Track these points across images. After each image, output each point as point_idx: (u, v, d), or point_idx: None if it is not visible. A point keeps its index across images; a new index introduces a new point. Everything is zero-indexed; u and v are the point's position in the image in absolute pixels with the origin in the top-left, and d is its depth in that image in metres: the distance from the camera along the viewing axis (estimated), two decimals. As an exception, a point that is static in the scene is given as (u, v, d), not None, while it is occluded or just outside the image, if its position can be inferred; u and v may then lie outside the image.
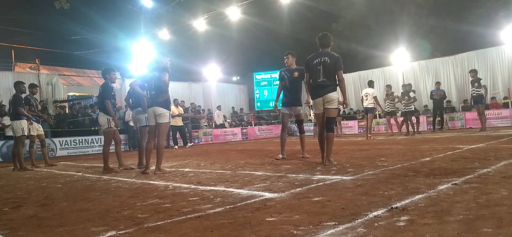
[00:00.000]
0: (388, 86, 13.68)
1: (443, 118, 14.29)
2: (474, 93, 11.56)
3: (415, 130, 12.61)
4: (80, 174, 6.61)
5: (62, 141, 13.69)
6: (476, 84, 11.42)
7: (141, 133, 6.97)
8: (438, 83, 14.93)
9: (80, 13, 21.26)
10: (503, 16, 18.16)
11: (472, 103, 11.97)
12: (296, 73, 6.81)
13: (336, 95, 5.31)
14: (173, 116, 13.75)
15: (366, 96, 12.09)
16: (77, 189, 4.73)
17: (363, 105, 12.44)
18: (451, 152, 5.91)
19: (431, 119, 14.66)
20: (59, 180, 5.87)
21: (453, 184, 3.26)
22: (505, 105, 15.13)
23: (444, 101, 14.28)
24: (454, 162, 4.73)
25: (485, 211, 2.32)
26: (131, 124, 13.36)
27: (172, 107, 13.41)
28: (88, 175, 6.34)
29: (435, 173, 3.93)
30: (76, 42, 21.59)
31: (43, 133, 9.14)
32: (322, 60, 5.31)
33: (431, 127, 14.63)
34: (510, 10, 18.38)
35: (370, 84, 12.44)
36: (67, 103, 17.09)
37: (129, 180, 5.25)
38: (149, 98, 5.99)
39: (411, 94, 12.62)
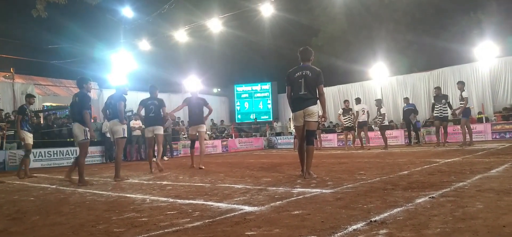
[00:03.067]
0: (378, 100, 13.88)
1: (417, 132, 14.55)
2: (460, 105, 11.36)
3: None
4: (54, 186, 6.41)
5: (36, 152, 13.27)
6: (459, 97, 11.28)
7: (118, 145, 6.86)
8: (406, 98, 15.28)
9: (57, 22, 20.77)
10: (476, 34, 18.78)
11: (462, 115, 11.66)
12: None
13: (316, 108, 5.35)
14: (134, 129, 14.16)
15: (363, 111, 12.95)
16: (50, 202, 4.57)
17: (358, 120, 13.11)
18: (428, 166, 6.01)
19: (407, 133, 14.97)
20: (32, 192, 5.67)
21: (430, 197, 3.30)
22: (480, 120, 15.56)
23: (414, 114, 14.47)
24: (431, 175, 4.81)
25: (461, 224, 2.35)
26: (108, 135, 13.09)
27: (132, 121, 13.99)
28: (63, 187, 6.15)
29: (413, 186, 3.98)
30: (53, 52, 21.09)
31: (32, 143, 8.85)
32: (304, 73, 5.36)
33: (407, 141, 14.92)
34: (483, 29, 19.04)
35: (359, 101, 13.47)
36: (42, 113, 16.63)
37: (105, 193, 5.12)
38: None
39: (382, 110, 12.88)
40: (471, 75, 16.87)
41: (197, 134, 8.65)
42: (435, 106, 11.48)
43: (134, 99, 18.46)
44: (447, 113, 11.36)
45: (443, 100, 11.32)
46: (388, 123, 13.34)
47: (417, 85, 18.44)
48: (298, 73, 5.43)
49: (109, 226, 2.96)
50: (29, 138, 8.42)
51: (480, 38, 17.49)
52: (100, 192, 5.21)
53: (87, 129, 6.37)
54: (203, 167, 8.07)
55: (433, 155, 8.31)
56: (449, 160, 6.78)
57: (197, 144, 8.78)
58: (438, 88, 11.93)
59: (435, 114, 11.50)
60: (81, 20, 23.28)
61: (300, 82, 5.35)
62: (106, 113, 7.12)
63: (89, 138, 6.41)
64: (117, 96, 6.91)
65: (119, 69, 19.24)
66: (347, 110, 13.51)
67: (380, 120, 12.84)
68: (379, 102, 13.24)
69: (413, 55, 22.36)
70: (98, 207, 3.97)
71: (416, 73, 19.17)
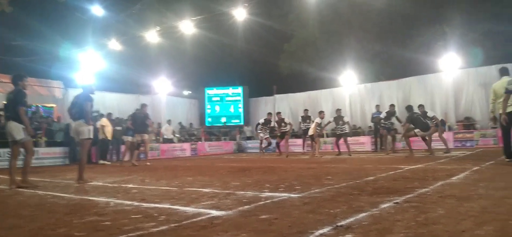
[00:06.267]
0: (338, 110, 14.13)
1: (382, 140, 14.91)
2: (433, 122, 12.12)
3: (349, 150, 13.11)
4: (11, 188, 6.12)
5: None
6: (427, 118, 12.03)
7: (83, 146, 6.64)
8: (377, 106, 15.69)
9: (21, 19, 19.97)
10: (441, 46, 19.53)
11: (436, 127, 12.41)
12: None
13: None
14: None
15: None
16: (8, 204, 4.37)
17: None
18: (393, 172, 6.16)
19: (374, 139, 15.33)
20: (-12, 194, 5.40)
21: (394, 202, 3.37)
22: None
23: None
24: (395, 181, 4.93)
25: (423, 230, 2.41)
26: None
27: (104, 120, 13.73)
28: (22, 189, 5.88)
29: (378, 192, 4.06)
30: (16, 49, 20.22)
31: None
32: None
33: (374, 147, 15.27)
34: (447, 40, 19.83)
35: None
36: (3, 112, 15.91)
37: (67, 195, 4.94)
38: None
39: (346, 119, 13.18)
40: (435, 85, 17.50)
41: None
42: (384, 121, 12.91)
43: (101, 100, 18.04)
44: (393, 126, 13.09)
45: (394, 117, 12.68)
46: (356, 129, 13.59)
47: (384, 94, 18.92)
48: None
49: (70, 230, 2.85)
50: None
51: (444, 49, 18.21)
52: (62, 195, 5.02)
53: (23, 126, 5.97)
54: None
55: (398, 162, 8.53)
56: (413, 167, 6.98)
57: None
58: (392, 106, 13.47)
59: (382, 125, 13.08)
60: (48, 17, 22.50)
61: None
62: (72, 113, 6.87)
63: (27, 135, 6.02)
64: (84, 96, 6.68)
65: (87, 69, 18.70)
66: (305, 118, 13.86)
67: (343, 128, 13.07)
68: (340, 112, 13.52)
69: (380, 64, 22.99)
70: (59, 210, 3.83)
71: (383, 81, 19.68)
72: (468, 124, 16.39)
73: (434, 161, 8.36)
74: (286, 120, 13.95)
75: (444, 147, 11.94)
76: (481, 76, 16.55)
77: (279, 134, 13.59)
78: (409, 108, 12.31)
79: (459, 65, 17.07)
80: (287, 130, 13.57)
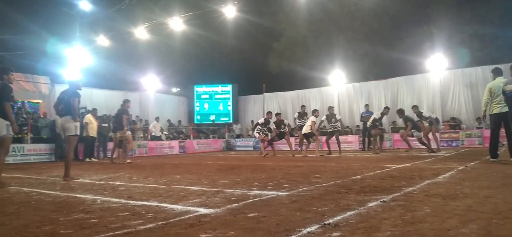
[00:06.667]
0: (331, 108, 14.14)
1: (370, 139, 15.03)
2: (427, 121, 12.26)
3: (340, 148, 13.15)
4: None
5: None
6: (422, 118, 12.17)
7: (69, 143, 6.55)
8: (367, 105, 15.80)
9: (5, 13, 19.64)
10: (428, 47, 19.78)
11: (430, 125, 12.51)
12: None
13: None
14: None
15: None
16: (-9, 201, 4.28)
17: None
18: (380, 171, 6.22)
19: (362, 138, 15.44)
20: (-29, 191, 5.29)
21: (381, 201, 3.40)
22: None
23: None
24: (382, 180, 4.98)
25: (410, 228, 2.43)
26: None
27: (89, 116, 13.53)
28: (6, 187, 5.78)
29: (365, 190, 4.09)
30: (1, 43, 19.83)
31: None
32: None
33: (362, 146, 15.38)
34: (434, 41, 20.09)
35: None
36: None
37: (53, 192, 4.87)
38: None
39: (338, 116, 13.21)
40: (422, 85, 17.73)
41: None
42: (376, 122, 12.82)
43: (88, 96, 17.83)
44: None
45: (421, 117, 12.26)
46: (344, 128, 13.62)
47: (372, 93, 19.09)
48: None
49: (55, 228, 2.81)
50: None
51: (431, 50, 18.44)
52: (48, 192, 4.95)
53: (9, 123, 5.80)
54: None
55: (386, 161, 8.62)
56: (400, 166, 7.05)
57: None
58: (387, 108, 13.59)
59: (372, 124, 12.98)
60: (34, 12, 22.16)
61: None
62: (58, 109, 6.77)
63: (11, 132, 5.85)
64: (71, 92, 6.60)
65: (74, 64, 18.45)
66: (302, 115, 13.78)
67: (335, 125, 13.07)
68: (332, 110, 13.53)
69: (369, 64, 23.18)
70: (44, 207, 3.77)
71: (371, 81, 19.85)
72: (454, 124, 16.63)
73: (420, 160, 8.46)
74: (285, 121, 13.76)
75: (434, 146, 12.08)
76: (467, 77, 16.82)
77: (277, 135, 13.40)
78: (401, 111, 12.49)
79: (446, 66, 17.32)
80: (285, 131, 13.41)
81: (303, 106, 14.74)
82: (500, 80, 7.25)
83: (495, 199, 3.33)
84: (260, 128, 13.25)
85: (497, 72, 7.63)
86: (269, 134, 13.42)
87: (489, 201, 3.27)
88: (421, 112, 12.13)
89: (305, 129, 12.39)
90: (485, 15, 20.75)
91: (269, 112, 13.99)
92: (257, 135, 13.21)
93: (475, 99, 16.56)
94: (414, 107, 12.49)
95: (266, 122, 13.42)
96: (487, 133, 13.79)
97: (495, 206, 3.02)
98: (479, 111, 15.73)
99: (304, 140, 12.83)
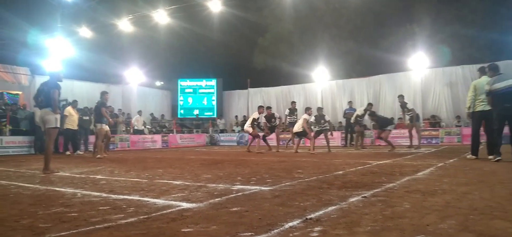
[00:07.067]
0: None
1: (352, 135, 15.20)
2: (409, 114, 12.34)
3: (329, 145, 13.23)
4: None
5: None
6: (405, 109, 12.27)
7: (49, 135, 6.43)
8: (350, 102, 15.95)
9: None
10: (410, 45, 20.08)
11: (409, 121, 12.48)
12: None
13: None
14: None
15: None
16: (-33, 194, 4.17)
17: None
18: (361, 167, 6.30)
19: (345, 135, 15.61)
20: None
21: (362, 196, 3.45)
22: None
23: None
24: (364, 176, 5.04)
25: (390, 223, 2.47)
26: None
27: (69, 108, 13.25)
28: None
29: (347, 185, 4.14)
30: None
31: None
32: None
33: (344, 143, 15.55)
34: (416, 40, 20.41)
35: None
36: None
37: (32, 186, 4.77)
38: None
39: (327, 117, 13.24)
40: (404, 83, 18.00)
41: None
42: (359, 119, 13.19)
43: (69, 88, 17.49)
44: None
45: (405, 108, 12.39)
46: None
47: (355, 90, 19.29)
48: None
49: (34, 221, 2.75)
50: None
51: (413, 49, 18.74)
52: (27, 185, 4.85)
53: None
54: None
55: (367, 157, 8.73)
56: (380, 162, 7.16)
57: None
58: (370, 105, 13.73)
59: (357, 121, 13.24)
60: (14, 1, 21.57)
61: None
62: (38, 101, 6.64)
63: None
64: (51, 83, 6.48)
65: (55, 56, 18.07)
66: (293, 111, 13.73)
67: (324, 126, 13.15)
68: (321, 111, 13.58)
69: (352, 61, 23.41)
70: (23, 200, 3.69)
71: (354, 78, 20.06)
72: (434, 122, 16.95)
73: (401, 157, 8.60)
74: (276, 115, 13.57)
75: (415, 143, 12.21)
76: (447, 76, 17.16)
77: (268, 129, 13.23)
78: (370, 112, 12.71)
79: (427, 65, 17.62)
80: (276, 124, 13.27)
81: (293, 102, 14.58)
82: (485, 80, 7.37)
83: (472, 196, 3.41)
84: (255, 122, 12.99)
85: (483, 71, 7.76)
86: (261, 128, 13.35)
87: (466, 197, 3.35)
88: (406, 103, 12.24)
89: (297, 127, 12.36)
90: (466, 16, 21.18)
91: (261, 107, 13.76)
92: (250, 130, 12.87)
93: (455, 98, 16.92)
94: (400, 96, 12.53)
95: (259, 117, 13.21)
96: (466, 131, 14.15)
97: (472, 202, 3.09)
98: (459, 110, 16.17)
99: (296, 138, 12.83)
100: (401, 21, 22.37)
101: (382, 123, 12.09)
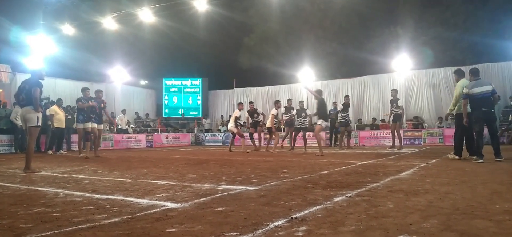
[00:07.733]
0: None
1: (337, 136, 15.32)
2: (393, 112, 12.36)
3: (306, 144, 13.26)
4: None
5: None
6: (394, 104, 12.30)
7: (30, 134, 6.30)
8: (334, 103, 16.08)
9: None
10: (394, 47, 20.35)
11: (392, 121, 12.34)
12: None
13: None
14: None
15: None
16: None
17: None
18: (346, 167, 6.35)
19: (329, 135, 15.75)
20: None
21: (347, 196, 3.48)
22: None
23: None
24: (348, 176, 5.09)
25: (374, 222, 2.50)
26: (19, 122, 11.87)
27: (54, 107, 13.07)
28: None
29: (331, 185, 4.17)
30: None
31: None
32: None
33: (328, 143, 15.67)
34: (399, 42, 20.69)
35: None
36: None
37: (12, 185, 4.67)
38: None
39: (308, 111, 13.27)
40: (388, 85, 18.24)
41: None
42: (342, 114, 13.17)
43: (52, 86, 17.19)
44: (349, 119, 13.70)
45: (395, 104, 12.26)
46: (312, 125, 13.68)
47: (339, 91, 19.47)
48: None
49: (14, 221, 2.69)
50: None
51: (397, 51, 19.00)
52: (7, 184, 4.74)
53: None
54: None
55: (351, 157, 8.81)
56: (365, 162, 7.23)
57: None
58: (347, 97, 13.83)
59: (340, 121, 13.27)
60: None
61: None
62: (19, 99, 6.50)
63: None
64: (33, 81, 6.36)
65: (37, 53, 17.72)
66: (288, 109, 13.68)
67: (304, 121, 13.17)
68: (302, 104, 13.61)
69: (337, 62, 23.59)
70: (3, 200, 3.61)
71: (339, 79, 20.24)
72: (417, 122, 17.22)
73: (385, 157, 8.70)
74: (259, 111, 13.44)
75: (398, 144, 12.30)
76: (430, 78, 17.46)
77: (251, 125, 13.13)
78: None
79: (410, 66, 17.90)
80: (259, 120, 13.12)
81: (289, 100, 14.47)
82: (464, 82, 7.52)
83: (454, 195, 3.48)
84: (238, 121, 12.87)
85: (459, 74, 7.92)
86: (243, 125, 13.29)
87: (448, 197, 3.41)
88: (398, 99, 12.29)
89: (268, 123, 12.36)
90: (449, 19, 21.58)
91: (240, 103, 13.63)
92: (235, 130, 12.73)
93: (437, 100, 17.22)
94: (394, 91, 12.56)
95: (240, 114, 13.10)
96: (448, 132, 14.40)
97: (454, 202, 3.15)
98: (441, 111, 16.44)
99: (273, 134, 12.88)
100: (385, 23, 22.67)
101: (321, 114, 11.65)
